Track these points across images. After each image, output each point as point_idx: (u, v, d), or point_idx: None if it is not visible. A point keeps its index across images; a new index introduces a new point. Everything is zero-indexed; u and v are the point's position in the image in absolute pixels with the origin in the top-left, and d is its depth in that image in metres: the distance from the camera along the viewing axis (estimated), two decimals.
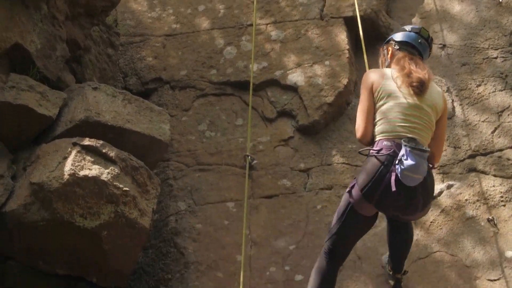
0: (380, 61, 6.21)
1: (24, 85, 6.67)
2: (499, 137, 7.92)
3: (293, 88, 8.52)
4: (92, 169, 6.38)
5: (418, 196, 5.36)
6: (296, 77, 8.55)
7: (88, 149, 6.47)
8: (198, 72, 8.89)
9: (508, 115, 8.05)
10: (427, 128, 5.52)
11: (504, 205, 7.52)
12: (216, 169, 8.17)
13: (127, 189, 6.54)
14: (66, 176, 6.25)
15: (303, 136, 8.28)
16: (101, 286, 6.88)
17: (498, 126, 7.99)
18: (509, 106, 8.10)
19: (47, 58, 7.13)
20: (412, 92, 5.49)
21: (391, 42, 6.00)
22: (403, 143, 5.22)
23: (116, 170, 6.51)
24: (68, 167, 6.30)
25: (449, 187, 7.70)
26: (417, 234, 7.51)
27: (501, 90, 8.27)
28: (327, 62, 8.57)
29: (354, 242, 6.00)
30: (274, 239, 7.63)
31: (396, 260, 6.45)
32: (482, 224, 7.45)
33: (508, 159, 7.75)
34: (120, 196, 6.50)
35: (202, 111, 8.63)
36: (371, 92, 5.57)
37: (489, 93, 8.26)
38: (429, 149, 5.31)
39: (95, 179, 6.36)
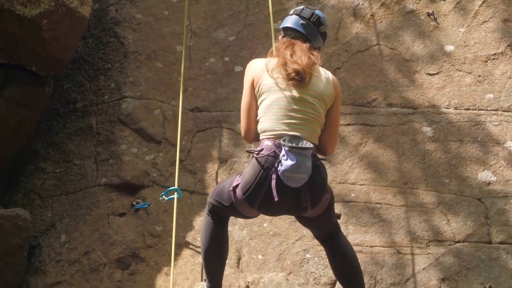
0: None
1: None
2: None
3: None
4: None
5: (303, 197, 4.88)
6: None
7: None
8: None
9: None
10: (312, 121, 5.00)
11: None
12: None
13: None
14: None
15: None
16: (39, 74, 6.87)
17: None
18: None
19: None
20: (291, 84, 4.95)
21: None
22: (282, 143, 4.77)
23: None
24: None
25: None
26: (357, 27, 7.53)
27: None
28: None
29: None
30: (214, 30, 7.61)
31: None
32: (422, 18, 7.48)
33: None
34: None
35: None
36: (252, 86, 5.05)
37: None
38: (311, 146, 4.81)
39: None
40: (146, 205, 6.59)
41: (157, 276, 6.24)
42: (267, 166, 4.83)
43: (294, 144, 4.74)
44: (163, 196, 6.28)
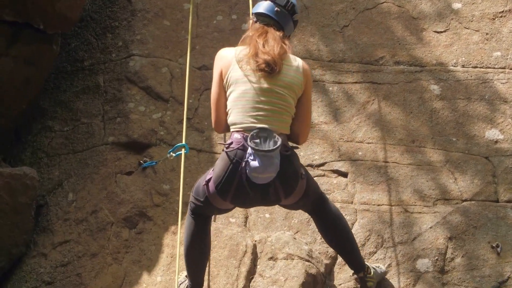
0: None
1: None
2: None
3: None
4: None
5: (276, 190, 4.92)
6: None
7: None
8: None
9: None
10: (281, 112, 4.96)
11: None
12: None
13: None
14: None
15: None
16: (47, 32, 6.85)
17: None
18: None
19: None
20: (260, 75, 4.90)
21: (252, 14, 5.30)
22: (248, 141, 4.74)
23: None
24: None
25: None
26: None
27: None
28: None
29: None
30: None
31: (346, 257, 5.71)
32: None
33: None
34: None
35: None
36: (221, 77, 5.02)
37: None
38: (277, 146, 4.73)
39: None
40: (154, 163, 6.60)
41: (165, 235, 6.27)
42: (236, 160, 4.85)
43: (259, 147, 4.71)
44: (171, 153, 6.25)
